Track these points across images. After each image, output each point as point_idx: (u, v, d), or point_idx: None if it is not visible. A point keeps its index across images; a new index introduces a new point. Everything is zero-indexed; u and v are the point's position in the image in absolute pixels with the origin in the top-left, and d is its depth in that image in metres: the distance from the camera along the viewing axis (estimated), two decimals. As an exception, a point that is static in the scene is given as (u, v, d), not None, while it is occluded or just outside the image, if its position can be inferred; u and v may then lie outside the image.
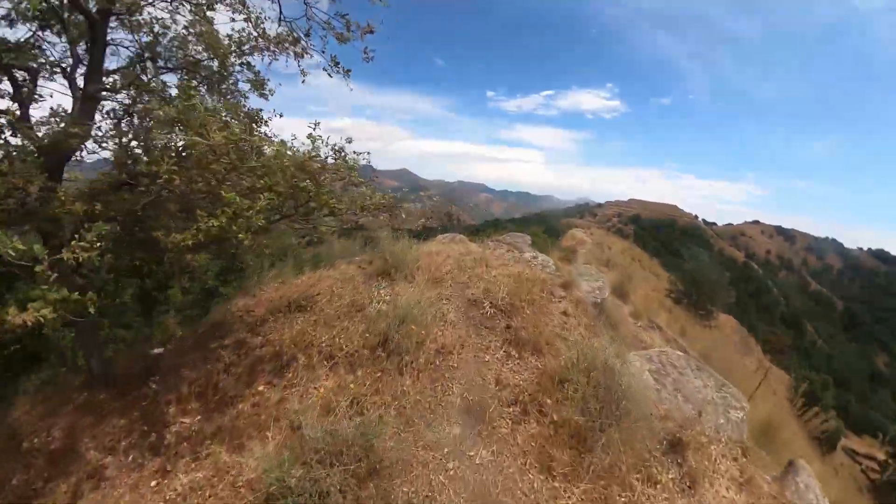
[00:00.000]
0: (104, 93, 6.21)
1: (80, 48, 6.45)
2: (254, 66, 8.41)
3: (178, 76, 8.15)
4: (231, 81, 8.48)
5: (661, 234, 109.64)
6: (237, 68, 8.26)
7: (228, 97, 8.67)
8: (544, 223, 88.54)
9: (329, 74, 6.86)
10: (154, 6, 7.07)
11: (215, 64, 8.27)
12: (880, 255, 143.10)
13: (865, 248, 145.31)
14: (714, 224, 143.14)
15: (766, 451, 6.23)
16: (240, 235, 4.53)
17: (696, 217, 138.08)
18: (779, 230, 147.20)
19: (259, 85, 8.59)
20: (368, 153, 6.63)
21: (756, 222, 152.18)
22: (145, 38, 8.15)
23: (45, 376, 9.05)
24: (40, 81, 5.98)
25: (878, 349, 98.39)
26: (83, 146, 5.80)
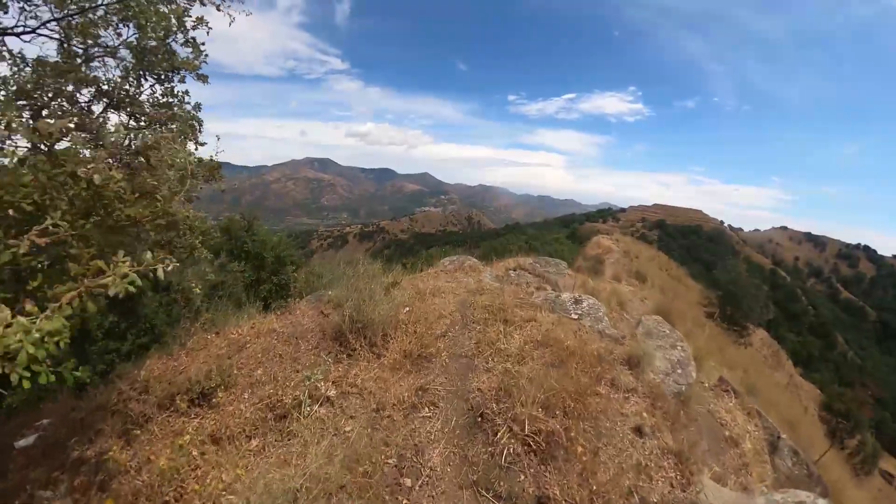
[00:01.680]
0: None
1: None
2: (198, 43, 5.99)
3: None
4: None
5: (686, 239, 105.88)
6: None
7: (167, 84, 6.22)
8: (567, 228, 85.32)
9: (217, 7, 4.18)
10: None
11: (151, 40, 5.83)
12: None
13: None
14: (740, 230, 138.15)
15: None
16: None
17: (722, 223, 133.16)
18: (808, 236, 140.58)
19: (191, 66, 6.13)
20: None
21: (784, 228, 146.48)
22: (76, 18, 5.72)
23: None
24: None
25: None
26: None
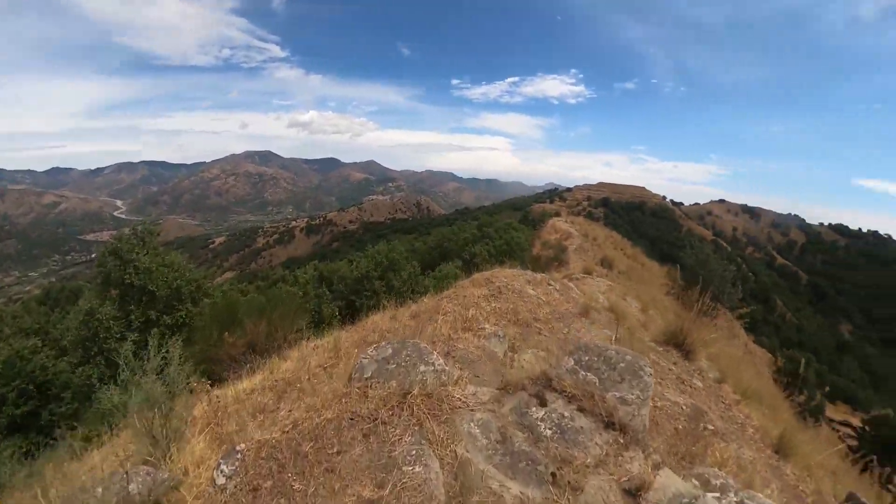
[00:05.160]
0: None
1: None
2: None
3: None
4: None
5: (631, 215, 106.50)
6: None
7: None
8: (519, 211, 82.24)
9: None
10: None
11: None
12: (840, 230, 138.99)
13: (826, 224, 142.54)
14: (681, 204, 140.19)
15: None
16: None
17: (664, 198, 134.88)
18: (744, 208, 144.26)
19: None
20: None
21: (722, 201, 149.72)
22: None
23: None
24: None
25: (842, 319, 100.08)
26: None
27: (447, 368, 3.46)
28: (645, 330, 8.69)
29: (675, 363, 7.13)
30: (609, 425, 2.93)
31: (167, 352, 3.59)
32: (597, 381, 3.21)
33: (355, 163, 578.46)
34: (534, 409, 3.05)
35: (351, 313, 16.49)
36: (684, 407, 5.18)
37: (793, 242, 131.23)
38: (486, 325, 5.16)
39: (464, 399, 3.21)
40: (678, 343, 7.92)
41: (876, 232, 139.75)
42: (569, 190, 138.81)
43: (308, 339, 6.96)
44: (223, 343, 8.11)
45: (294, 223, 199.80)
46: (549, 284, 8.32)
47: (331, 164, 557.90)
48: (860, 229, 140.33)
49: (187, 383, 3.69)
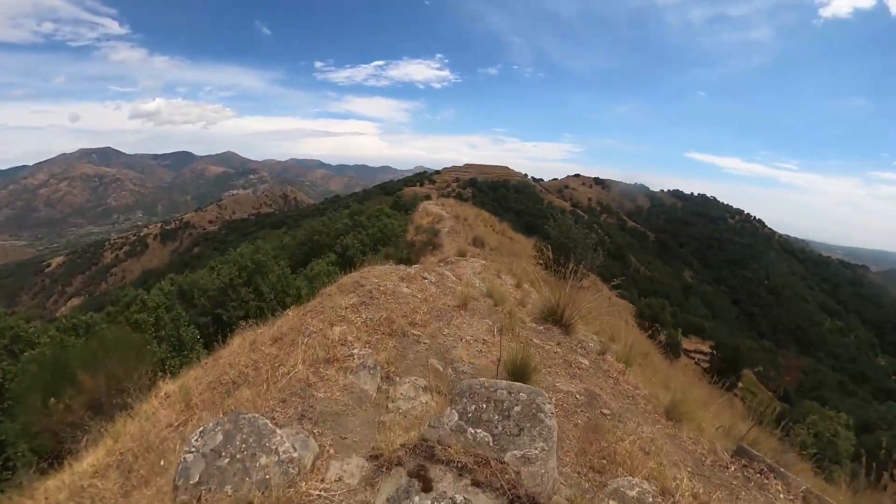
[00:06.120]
0: None
1: None
2: None
3: None
4: None
5: (496, 193, 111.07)
6: None
7: None
8: (390, 196, 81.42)
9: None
10: None
11: None
12: (676, 195, 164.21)
13: (665, 190, 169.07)
14: (541, 180, 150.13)
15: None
16: None
17: (525, 175, 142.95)
18: (597, 180, 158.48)
19: None
20: None
21: (577, 176, 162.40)
22: None
23: None
24: None
25: (685, 266, 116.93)
26: None
27: (296, 455, 2.51)
28: (523, 307, 8.42)
29: (558, 343, 6.87)
30: (514, 499, 2.23)
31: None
32: (490, 439, 2.47)
33: (211, 155, 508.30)
34: (416, 498, 2.26)
35: (218, 329, 14.83)
36: (578, 396, 4.85)
37: (640, 207, 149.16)
38: (356, 348, 4.31)
39: (324, 493, 2.33)
40: (557, 319, 7.73)
41: (704, 195, 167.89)
42: (437, 172, 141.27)
43: (164, 378, 6.12)
44: (52, 411, 6.37)
45: (146, 230, 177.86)
46: (424, 277, 7.69)
47: (183, 158, 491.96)
48: (692, 193, 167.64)
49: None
